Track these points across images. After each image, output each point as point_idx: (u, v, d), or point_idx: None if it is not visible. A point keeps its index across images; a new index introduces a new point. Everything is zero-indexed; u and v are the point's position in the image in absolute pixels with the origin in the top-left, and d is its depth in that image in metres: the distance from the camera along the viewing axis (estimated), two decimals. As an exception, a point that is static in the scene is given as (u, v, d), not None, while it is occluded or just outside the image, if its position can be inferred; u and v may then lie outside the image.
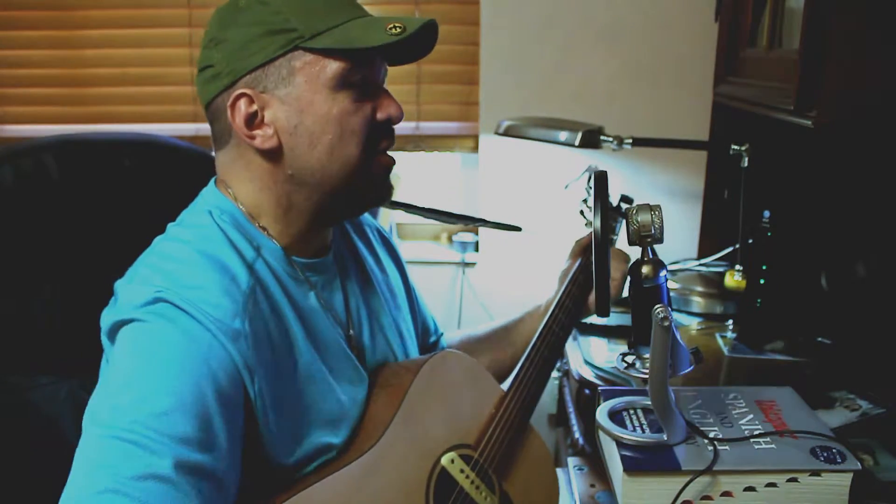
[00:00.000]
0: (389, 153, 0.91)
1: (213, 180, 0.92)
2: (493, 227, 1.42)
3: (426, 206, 1.45)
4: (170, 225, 0.89)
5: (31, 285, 0.94)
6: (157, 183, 1.05)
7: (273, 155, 0.85)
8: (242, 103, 0.83)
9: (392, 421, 0.90)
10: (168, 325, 0.76)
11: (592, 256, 0.78)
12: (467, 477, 0.96)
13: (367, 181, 0.88)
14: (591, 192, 1.28)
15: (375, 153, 0.88)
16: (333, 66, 0.82)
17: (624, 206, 1.21)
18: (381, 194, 0.92)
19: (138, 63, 2.17)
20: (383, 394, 0.94)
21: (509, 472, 1.02)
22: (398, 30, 0.81)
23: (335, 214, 0.93)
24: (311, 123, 0.83)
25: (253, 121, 0.84)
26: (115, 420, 0.70)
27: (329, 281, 0.94)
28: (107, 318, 0.80)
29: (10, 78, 2.22)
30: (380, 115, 0.86)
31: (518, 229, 1.53)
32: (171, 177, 1.06)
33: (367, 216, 1.12)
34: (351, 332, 0.96)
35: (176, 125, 2.17)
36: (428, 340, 1.21)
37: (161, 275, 0.80)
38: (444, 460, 0.94)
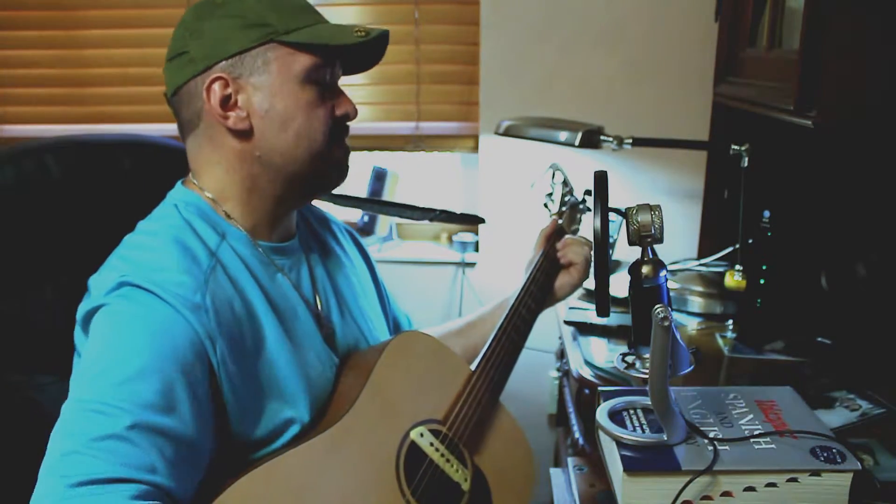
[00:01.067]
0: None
1: (180, 181, 0.97)
2: (458, 222, 1.46)
3: (379, 200, 1.47)
4: (139, 222, 0.93)
5: (31, 285, 0.94)
6: (157, 183, 1.04)
7: (243, 136, 0.91)
8: (217, 86, 0.89)
9: (359, 396, 0.93)
10: (131, 305, 0.81)
11: (593, 256, 0.78)
12: (437, 450, 0.98)
13: (328, 165, 0.95)
14: (556, 187, 1.34)
15: (335, 144, 0.95)
16: (304, 60, 0.90)
17: (588, 198, 1.31)
18: (339, 177, 0.98)
19: (138, 63, 2.18)
20: (351, 374, 0.98)
21: (481, 448, 1.04)
22: (362, 34, 0.91)
23: (297, 197, 0.98)
24: (283, 109, 0.90)
25: (227, 102, 0.90)
26: (85, 393, 0.77)
27: (296, 263, 0.99)
28: (80, 311, 0.85)
29: (11, 78, 2.22)
30: (338, 111, 0.95)
31: (482, 221, 1.56)
32: (171, 177, 1.06)
33: (333, 216, 1.17)
34: (320, 309, 1.00)
35: (176, 125, 2.16)
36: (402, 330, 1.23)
37: (126, 262, 0.86)
38: (413, 434, 0.97)
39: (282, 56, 0.89)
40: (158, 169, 1.06)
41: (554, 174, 1.37)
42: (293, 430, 0.90)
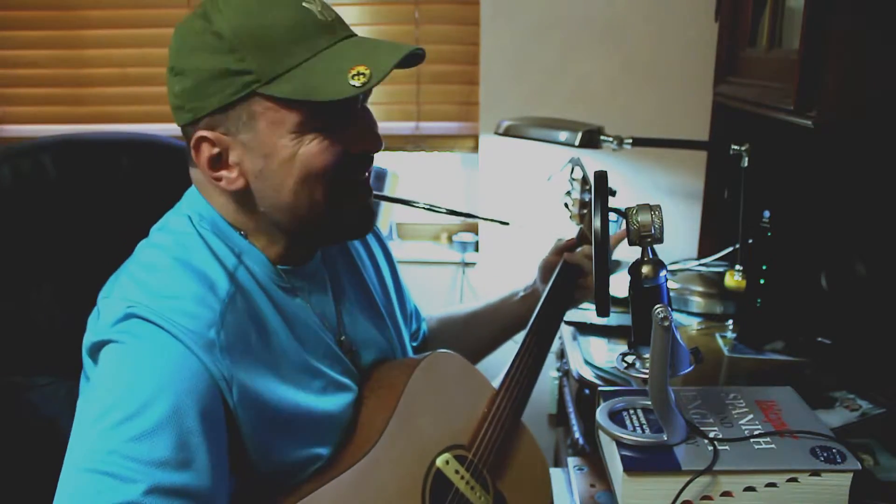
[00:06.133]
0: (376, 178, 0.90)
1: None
2: (484, 220, 1.44)
3: (413, 201, 1.45)
4: (153, 228, 0.88)
5: (30, 285, 0.94)
6: (156, 183, 1.04)
7: (242, 194, 0.83)
8: (205, 146, 0.81)
9: (387, 425, 0.90)
10: (139, 345, 0.75)
11: (592, 256, 0.78)
12: (462, 477, 0.96)
13: (341, 217, 0.86)
14: (575, 185, 1.29)
15: (348, 188, 0.84)
16: (295, 115, 0.78)
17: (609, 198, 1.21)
18: (361, 227, 0.90)
19: (138, 63, 2.17)
20: (375, 396, 0.95)
21: (503, 471, 1.02)
22: (362, 79, 0.75)
23: (315, 244, 0.93)
24: (276, 168, 0.80)
25: (218, 161, 0.81)
26: (93, 451, 0.70)
27: (317, 285, 0.94)
28: (88, 336, 0.79)
29: (11, 78, 2.22)
30: (355, 149, 0.83)
31: (506, 224, 1.54)
32: (170, 177, 1.06)
33: None
34: (342, 338, 0.95)
35: (176, 125, 2.17)
36: (412, 327, 1.21)
37: (136, 285, 0.79)
38: (439, 462, 0.95)
39: (269, 110, 0.78)
40: (157, 167, 1.06)
41: (573, 170, 1.28)
42: (318, 462, 0.87)
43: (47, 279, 0.95)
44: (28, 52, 2.19)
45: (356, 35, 0.84)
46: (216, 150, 0.80)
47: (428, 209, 1.47)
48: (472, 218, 1.52)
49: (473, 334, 1.21)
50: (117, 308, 0.77)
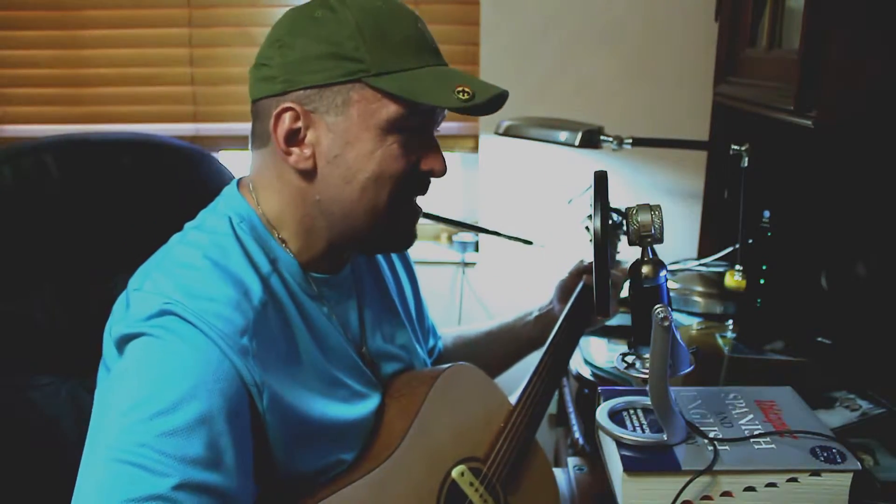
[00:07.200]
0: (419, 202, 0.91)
1: (235, 181, 0.91)
2: (507, 239, 1.46)
3: (440, 216, 1.48)
4: (188, 224, 0.88)
5: (31, 285, 0.94)
6: (157, 183, 1.05)
7: (306, 175, 0.84)
8: (288, 117, 0.81)
9: (406, 434, 0.91)
10: (176, 341, 0.74)
11: (593, 258, 0.78)
12: (476, 490, 0.97)
13: (390, 229, 0.88)
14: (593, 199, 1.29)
15: (405, 202, 0.87)
16: (391, 110, 0.81)
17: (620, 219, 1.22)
18: (401, 243, 0.92)
19: (138, 63, 2.17)
20: (396, 405, 0.95)
21: (515, 487, 1.03)
22: (466, 96, 0.80)
23: (353, 247, 0.93)
24: (353, 159, 0.82)
25: (294, 137, 0.82)
26: (123, 442, 0.70)
27: (344, 296, 0.94)
28: (116, 327, 0.78)
29: (11, 78, 2.22)
30: (423, 166, 0.86)
31: (529, 243, 1.55)
32: (171, 176, 1.06)
33: None
34: (364, 349, 0.96)
35: (176, 125, 2.17)
36: (429, 343, 1.23)
37: (172, 282, 0.79)
38: (455, 473, 0.96)
39: (367, 100, 0.80)
40: (158, 167, 1.06)
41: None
42: (340, 468, 0.88)
43: (48, 279, 0.95)
44: (28, 52, 2.19)
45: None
46: (297, 124, 0.82)
47: (455, 224, 1.48)
48: (497, 235, 1.53)
49: (487, 353, 1.21)
50: (152, 302, 0.76)
